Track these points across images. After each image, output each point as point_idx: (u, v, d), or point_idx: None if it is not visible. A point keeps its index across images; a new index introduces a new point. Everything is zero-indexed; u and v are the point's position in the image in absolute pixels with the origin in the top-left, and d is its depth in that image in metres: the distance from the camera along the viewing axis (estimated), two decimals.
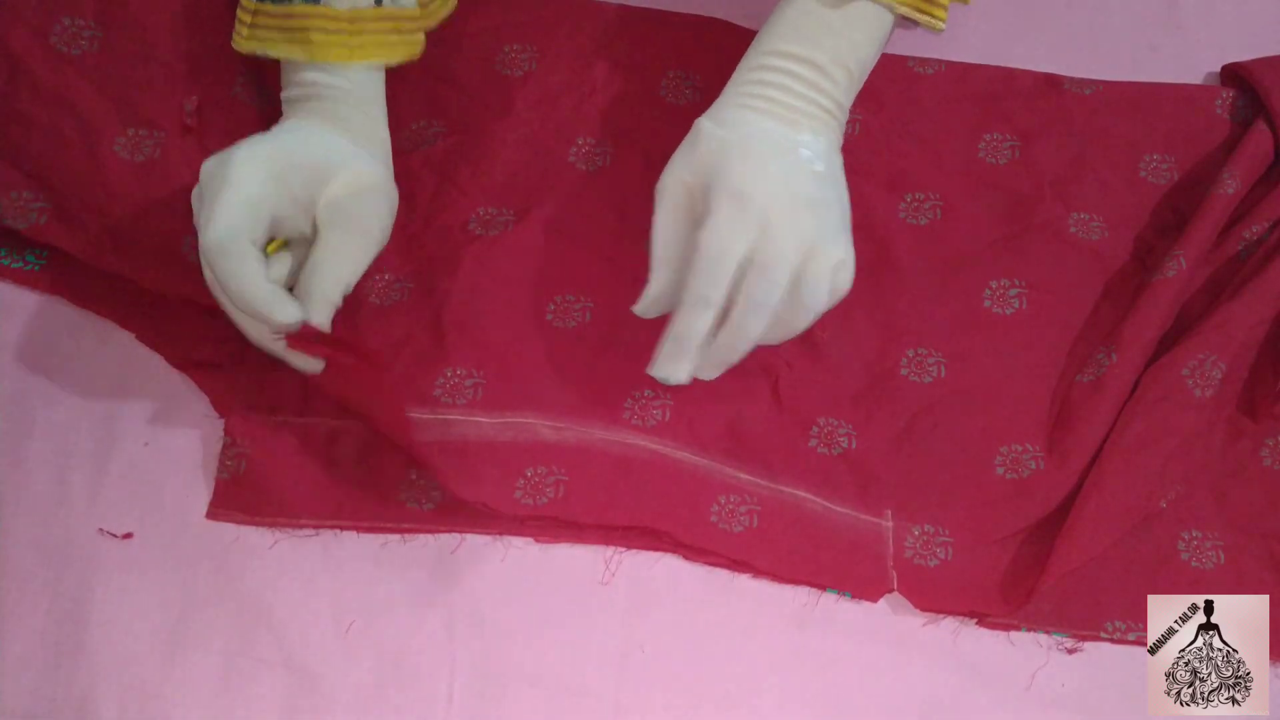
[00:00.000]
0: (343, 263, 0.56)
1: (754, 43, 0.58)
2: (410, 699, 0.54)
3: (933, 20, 0.58)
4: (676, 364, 0.55)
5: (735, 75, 0.58)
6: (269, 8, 0.57)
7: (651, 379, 0.60)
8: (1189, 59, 0.71)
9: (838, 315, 0.62)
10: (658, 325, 0.62)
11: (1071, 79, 0.69)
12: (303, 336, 0.53)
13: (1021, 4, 0.73)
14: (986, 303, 0.63)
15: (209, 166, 0.55)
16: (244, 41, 0.59)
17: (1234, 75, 0.69)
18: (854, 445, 0.60)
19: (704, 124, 0.56)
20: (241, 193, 0.53)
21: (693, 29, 0.69)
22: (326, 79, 0.57)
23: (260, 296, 0.52)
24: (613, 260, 0.64)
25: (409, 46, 0.60)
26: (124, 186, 0.61)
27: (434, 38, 0.68)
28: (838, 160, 0.56)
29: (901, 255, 0.64)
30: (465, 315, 0.61)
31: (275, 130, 0.57)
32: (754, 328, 0.54)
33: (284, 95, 0.59)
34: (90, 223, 0.60)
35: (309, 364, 0.56)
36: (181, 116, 0.63)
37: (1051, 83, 0.69)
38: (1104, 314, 0.63)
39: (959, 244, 0.65)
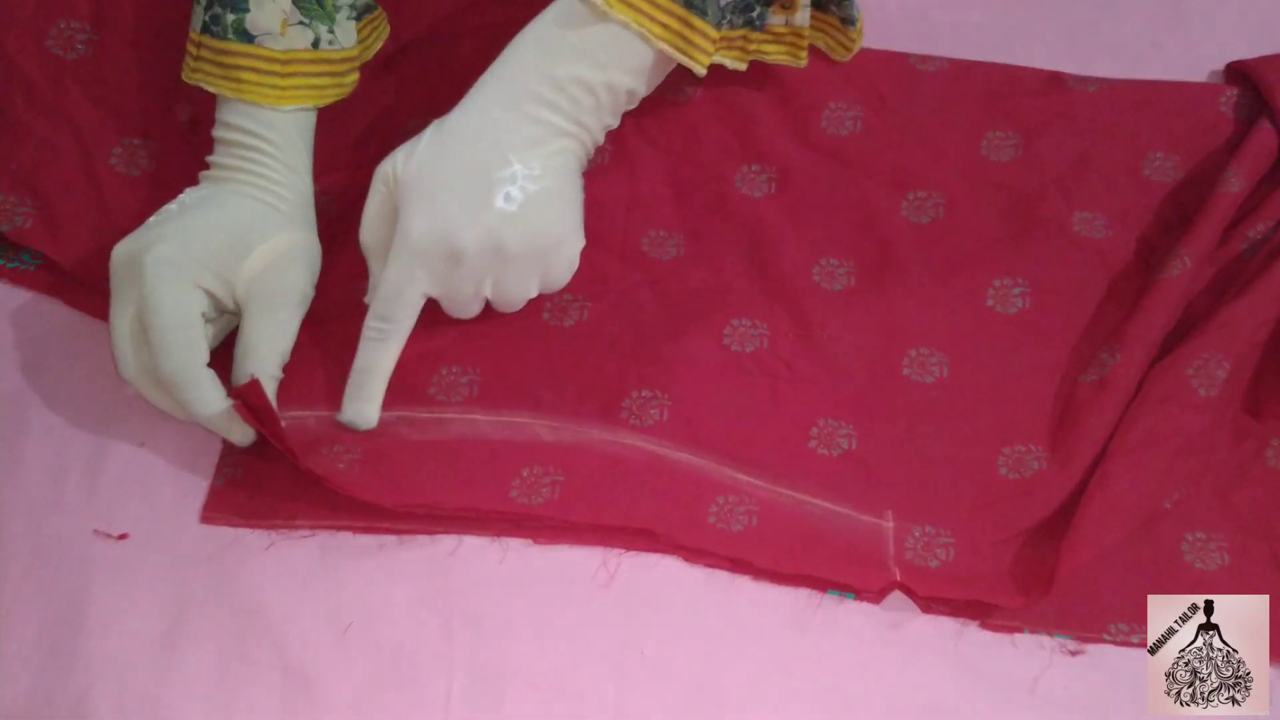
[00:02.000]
0: (274, 336, 0.57)
1: (504, 51, 0.58)
2: (408, 701, 0.54)
3: (692, 63, 0.59)
4: (358, 403, 0.56)
5: (479, 82, 0.58)
6: (210, 41, 0.58)
7: (649, 379, 0.60)
8: (1193, 57, 0.71)
9: (839, 314, 0.62)
10: (655, 328, 0.62)
11: (1075, 76, 0.69)
12: (249, 406, 0.54)
13: (1025, 1, 0.72)
14: (989, 302, 0.63)
15: (120, 259, 0.56)
16: (188, 73, 0.60)
17: (1238, 73, 0.69)
18: (854, 446, 0.59)
19: (428, 130, 0.57)
20: (171, 320, 0.54)
21: None
22: (252, 125, 0.58)
23: (218, 422, 0.55)
24: (612, 259, 0.63)
25: (339, 88, 0.61)
26: (120, 201, 0.61)
27: (430, 35, 0.68)
28: (554, 182, 0.57)
29: (903, 254, 0.64)
30: None
31: (185, 206, 0.57)
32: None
33: (214, 131, 0.60)
34: (79, 233, 0.60)
35: (243, 435, 0.57)
36: (176, 125, 0.63)
37: (1055, 80, 0.69)
38: (1108, 313, 0.63)
39: (961, 242, 0.65)
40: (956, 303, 0.63)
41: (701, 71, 0.59)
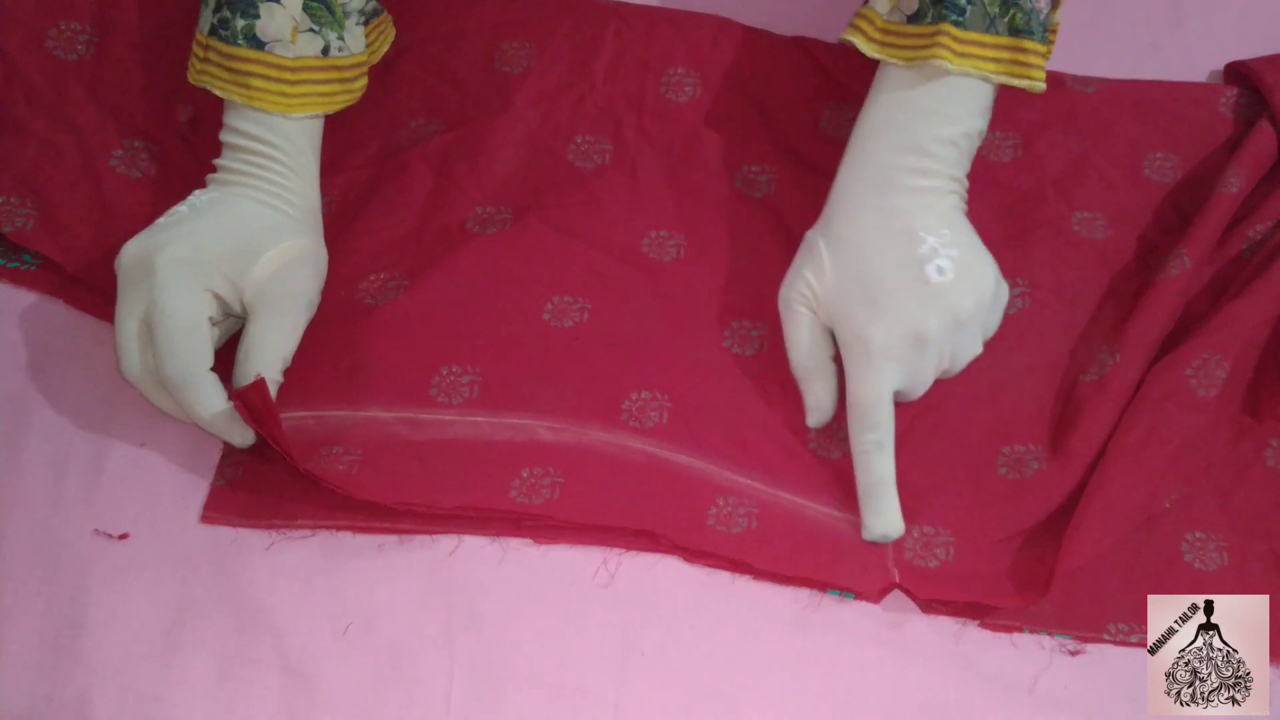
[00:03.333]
0: (277, 340, 0.57)
1: (851, 143, 0.59)
2: (408, 701, 0.54)
3: (1031, 83, 0.58)
4: (882, 516, 0.56)
5: (840, 179, 0.58)
6: (218, 45, 0.58)
7: (649, 380, 0.60)
8: (1192, 57, 0.71)
9: None
10: (655, 330, 0.62)
11: (1074, 77, 0.69)
12: (250, 407, 0.54)
13: None
14: None
15: (130, 259, 0.56)
16: (194, 75, 0.60)
17: (1237, 73, 0.69)
18: None
19: (819, 244, 0.58)
20: (179, 322, 0.54)
21: (694, 25, 0.69)
22: (262, 132, 0.58)
23: (218, 424, 0.55)
24: (612, 260, 0.63)
25: (349, 94, 0.61)
26: (121, 203, 0.61)
27: (431, 35, 0.68)
28: (963, 236, 0.57)
29: None
30: (462, 314, 0.61)
31: (196, 208, 0.57)
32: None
33: (222, 135, 0.60)
34: (81, 235, 0.60)
35: (242, 437, 0.57)
36: (177, 126, 0.63)
37: (1054, 81, 0.69)
38: (1107, 313, 0.63)
39: None
40: None
41: (1042, 88, 0.58)
